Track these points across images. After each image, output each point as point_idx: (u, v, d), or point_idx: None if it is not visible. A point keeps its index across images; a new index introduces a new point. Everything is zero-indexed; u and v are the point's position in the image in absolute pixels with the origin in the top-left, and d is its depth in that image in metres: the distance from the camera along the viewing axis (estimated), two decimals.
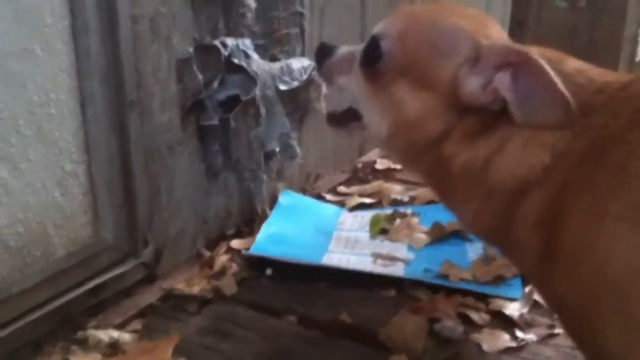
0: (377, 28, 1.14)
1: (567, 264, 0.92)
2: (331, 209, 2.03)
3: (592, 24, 1.84)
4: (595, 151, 0.92)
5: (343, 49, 1.24)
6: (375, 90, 1.11)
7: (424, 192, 2.10)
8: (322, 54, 1.26)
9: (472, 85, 1.02)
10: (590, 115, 0.95)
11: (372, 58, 1.11)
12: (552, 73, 0.93)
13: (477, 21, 1.08)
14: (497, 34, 1.08)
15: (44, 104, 1.29)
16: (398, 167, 2.33)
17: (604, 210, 0.85)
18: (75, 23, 1.32)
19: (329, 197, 2.13)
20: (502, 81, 0.98)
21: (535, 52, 0.97)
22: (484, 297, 1.53)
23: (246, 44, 1.71)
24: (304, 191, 2.13)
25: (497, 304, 1.50)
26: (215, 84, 1.65)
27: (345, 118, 1.24)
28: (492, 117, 1.02)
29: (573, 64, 1.03)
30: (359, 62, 1.15)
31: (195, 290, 1.58)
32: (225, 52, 1.63)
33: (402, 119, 1.08)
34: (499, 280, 1.59)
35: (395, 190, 2.12)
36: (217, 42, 1.63)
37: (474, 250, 1.74)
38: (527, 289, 1.54)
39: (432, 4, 1.19)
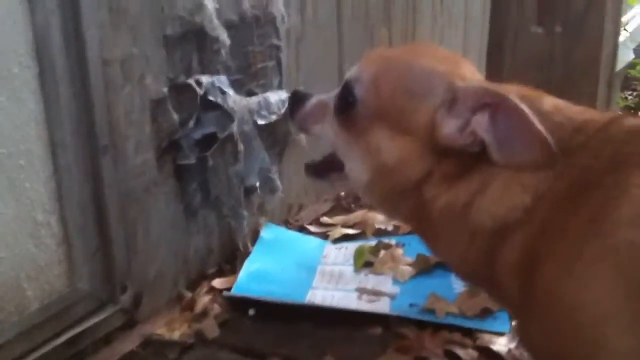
0: (350, 73, 1.12)
1: (541, 310, 0.90)
2: (314, 241, 2.01)
3: (568, 48, 1.84)
4: (573, 194, 0.90)
5: (316, 97, 1.22)
6: (352, 137, 1.09)
7: None
8: (294, 102, 1.24)
9: (449, 128, 0.99)
10: (571, 156, 0.93)
11: (346, 104, 1.09)
12: (529, 113, 0.91)
13: (450, 62, 1.07)
14: (471, 74, 1.07)
15: (13, 155, 1.26)
16: None
17: (577, 256, 0.84)
18: (43, 70, 1.29)
19: (312, 228, 2.10)
20: (480, 123, 0.97)
21: (512, 92, 0.96)
22: (471, 332, 1.51)
23: (222, 80, 1.68)
24: (286, 223, 2.11)
25: (484, 339, 1.48)
26: (191, 123, 1.63)
27: (325, 168, 1.22)
28: (471, 159, 1.00)
29: (551, 102, 1.02)
30: (334, 109, 1.13)
31: (176, 335, 1.55)
32: (200, 91, 1.61)
33: (380, 165, 1.06)
34: (485, 313, 1.57)
35: (379, 219, 2.10)
36: (191, 81, 1.60)
37: (459, 282, 1.71)
38: (514, 322, 1.52)
39: (405, 46, 1.17)
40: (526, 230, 0.94)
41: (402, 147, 1.03)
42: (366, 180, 1.09)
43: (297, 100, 1.23)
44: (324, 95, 1.19)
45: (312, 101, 1.21)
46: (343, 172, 1.13)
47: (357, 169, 1.10)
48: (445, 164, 1.02)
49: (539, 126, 0.91)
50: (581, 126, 0.96)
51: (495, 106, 0.95)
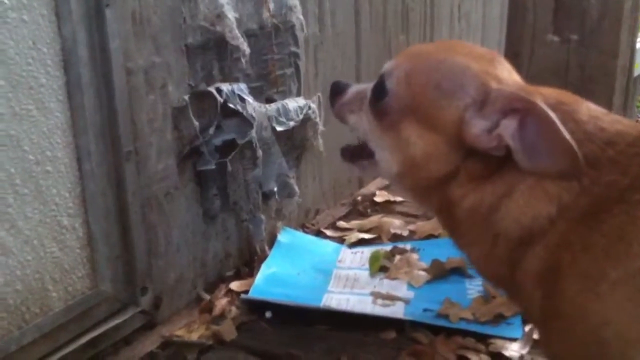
0: (385, 67, 1.13)
1: (562, 323, 0.91)
2: (330, 246, 2.04)
3: (584, 56, 1.85)
4: (598, 209, 0.90)
5: (355, 87, 1.23)
6: (383, 129, 1.10)
7: (423, 226, 2.11)
8: (335, 92, 1.25)
9: (477, 128, 0.99)
10: (598, 169, 0.93)
11: (379, 97, 1.10)
12: (558, 123, 0.91)
13: (486, 61, 1.05)
14: (506, 74, 1.04)
15: (40, 162, 1.30)
16: (397, 199, 2.34)
17: (602, 276, 0.85)
18: (70, 80, 1.33)
19: (328, 232, 2.13)
20: (508, 128, 0.96)
21: (549, 97, 0.95)
22: (484, 338, 1.52)
23: (241, 88, 1.72)
24: (303, 227, 2.14)
25: (497, 344, 1.50)
26: (212, 130, 1.67)
27: (358, 154, 1.22)
28: (499, 161, 0.99)
29: (586, 110, 0.99)
30: (369, 100, 1.14)
31: (195, 336, 1.59)
32: (220, 99, 1.65)
33: (408, 158, 1.07)
34: (499, 319, 1.58)
35: (395, 224, 2.13)
36: (212, 89, 1.64)
37: (474, 287, 1.73)
38: (527, 328, 1.53)
39: (441, 42, 1.17)
40: (550, 241, 0.94)
41: (430, 142, 1.04)
42: (395, 171, 1.10)
43: (337, 89, 1.24)
44: (363, 86, 1.19)
45: (351, 91, 1.22)
46: (373, 159, 1.14)
47: (386, 160, 1.11)
48: (472, 163, 1.02)
49: (567, 136, 0.91)
50: (613, 139, 0.95)
51: (525, 112, 0.95)
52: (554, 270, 0.93)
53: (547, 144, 0.93)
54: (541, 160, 0.94)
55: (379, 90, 1.10)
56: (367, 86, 1.18)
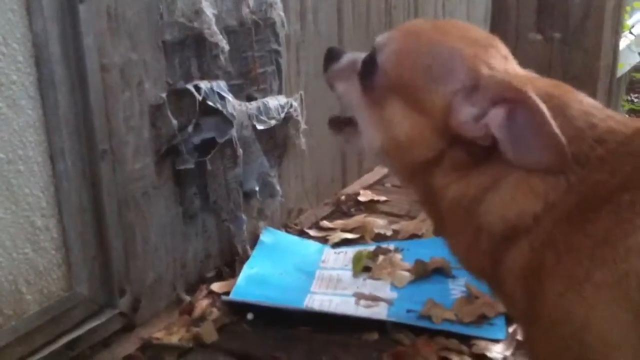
0: (378, 39, 1.09)
1: (544, 324, 0.89)
2: (314, 246, 2.01)
3: (567, 55, 1.84)
4: (584, 209, 0.88)
5: (349, 56, 1.19)
6: (370, 103, 1.07)
7: (407, 226, 2.09)
8: (329, 58, 1.21)
9: (464, 115, 0.95)
10: (587, 168, 0.90)
11: (368, 70, 1.07)
12: (548, 115, 0.88)
13: (480, 46, 1.01)
14: (500, 61, 1.00)
15: (12, 161, 1.27)
16: (381, 198, 2.32)
17: (587, 277, 0.83)
18: (42, 77, 1.30)
19: (311, 232, 2.11)
20: (495, 118, 0.92)
21: (541, 88, 0.92)
22: (467, 339, 1.51)
23: (221, 85, 1.69)
24: (286, 227, 2.11)
25: (480, 346, 1.48)
26: (190, 128, 1.64)
27: (346, 123, 1.19)
28: (485, 152, 0.95)
29: (578, 105, 0.95)
30: (358, 72, 1.11)
31: (175, 339, 1.56)
32: (199, 96, 1.62)
33: (392, 138, 1.04)
34: (482, 320, 1.57)
35: (378, 224, 2.10)
36: (190, 86, 1.61)
37: (457, 287, 1.72)
38: (510, 330, 1.52)
39: (440, 22, 1.13)
40: (534, 239, 0.92)
41: (414, 125, 1.01)
42: (377, 148, 1.08)
43: (331, 56, 1.21)
44: (357, 55, 1.15)
45: (345, 58, 1.18)
46: (357, 129, 1.12)
47: (370, 136, 1.08)
48: (457, 151, 0.98)
49: (557, 130, 0.88)
50: (603, 136, 0.92)
51: (515, 102, 0.91)
52: (538, 270, 0.90)
53: (535, 137, 0.90)
54: (528, 153, 0.91)
55: (369, 64, 1.07)
56: (360, 56, 1.14)
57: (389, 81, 1.04)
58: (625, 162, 0.88)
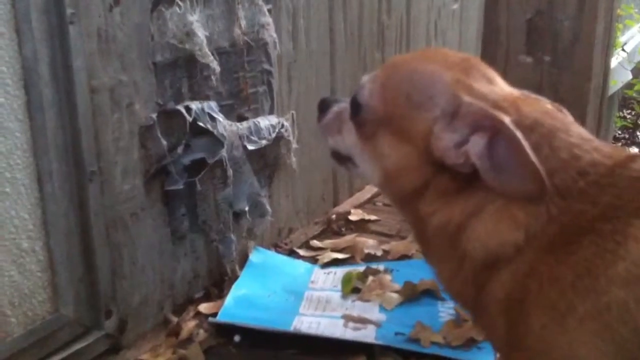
0: (364, 77, 1.12)
1: (527, 354, 0.89)
2: (303, 266, 2.01)
3: (556, 78, 1.85)
4: (566, 240, 0.88)
5: (336, 107, 1.20)
6: (363, 139, 1.09)
7: (397, 246, 2.08)
8: (319, 111, 1.23)
9: (445, 142, 0.95)
10: (568, 199, 0.90)
11: (356, 109, 1.09)
12: (525, 144, 0.88)
13: (461, 69, 1.01)
14: (483, 84, 1.00)
15: None
16: (372, 218, 2.32)
17: (569, 309, 0.83)
18: (31, 99, 1.30)
19: (301, 252, 2.10)
20: (476, 145, 0.92)
21: (516, 117, 0.92)
22: None
23: (211, 106, 1.69)
24: (276, 247, 2.10)
25: None
26: (180, 149, 1.63)
27: (346, 159, 1.19)
28: (469, 178, 0.95)
29: (564, 135, 0.95)
30: (349, 113, 1.13)
31: None
32: (189, 117, 1.61)
33: (384, 170, 1.06)
34: (470, 343, 1.57)
35: (369, 244, 2.10)
36: (180, 107, 1.61)
37: (446, 310, 1.71)
38: (498, 355, 1.51)
39: (422, 50, 1.14)
40: (516, 269, 0.92)
41: (402, 154, 1.02)
42: (375, 181, 1.11)
43: (320, 108, 1.23)
44: (343, 104, 1.17)
45: (332, 111, 1.20)
46: (359, 169, 1.15)
47: (368, 172, 1.11)
48: (441, 178, 0.99)
49: (534, 159, 0.88)
50: (586, 169, 0.92)
51: (494, 130, 0.92)
52: (520, 300, 0.90)
53: (514, 165, 0.90)
54: (508, 181, 0.91)
55: (355, 103, 1.09)
56: (347, 104, 1.16)
57: (376, 115, 1.05)
58: (606, 193, 0.89)
